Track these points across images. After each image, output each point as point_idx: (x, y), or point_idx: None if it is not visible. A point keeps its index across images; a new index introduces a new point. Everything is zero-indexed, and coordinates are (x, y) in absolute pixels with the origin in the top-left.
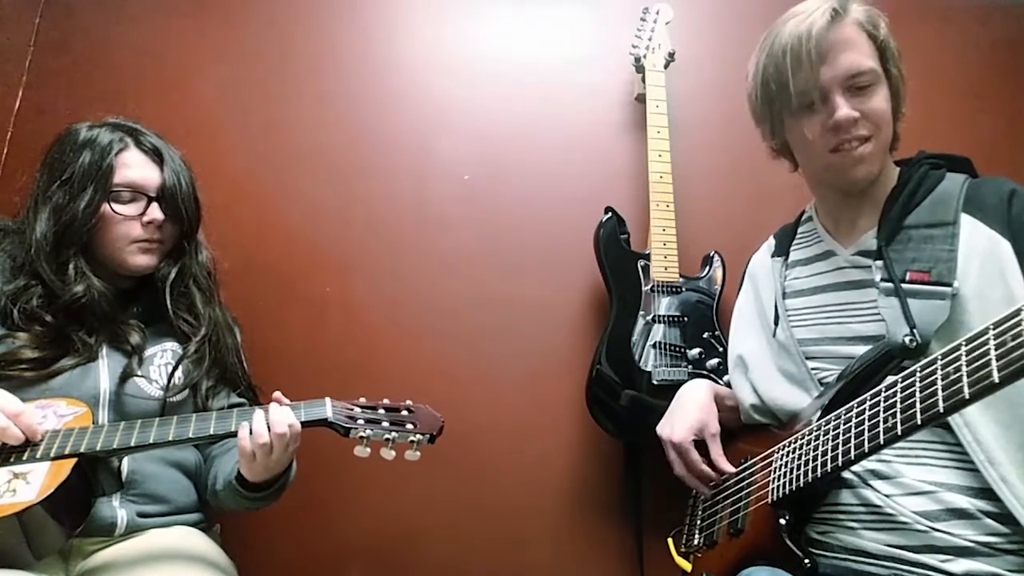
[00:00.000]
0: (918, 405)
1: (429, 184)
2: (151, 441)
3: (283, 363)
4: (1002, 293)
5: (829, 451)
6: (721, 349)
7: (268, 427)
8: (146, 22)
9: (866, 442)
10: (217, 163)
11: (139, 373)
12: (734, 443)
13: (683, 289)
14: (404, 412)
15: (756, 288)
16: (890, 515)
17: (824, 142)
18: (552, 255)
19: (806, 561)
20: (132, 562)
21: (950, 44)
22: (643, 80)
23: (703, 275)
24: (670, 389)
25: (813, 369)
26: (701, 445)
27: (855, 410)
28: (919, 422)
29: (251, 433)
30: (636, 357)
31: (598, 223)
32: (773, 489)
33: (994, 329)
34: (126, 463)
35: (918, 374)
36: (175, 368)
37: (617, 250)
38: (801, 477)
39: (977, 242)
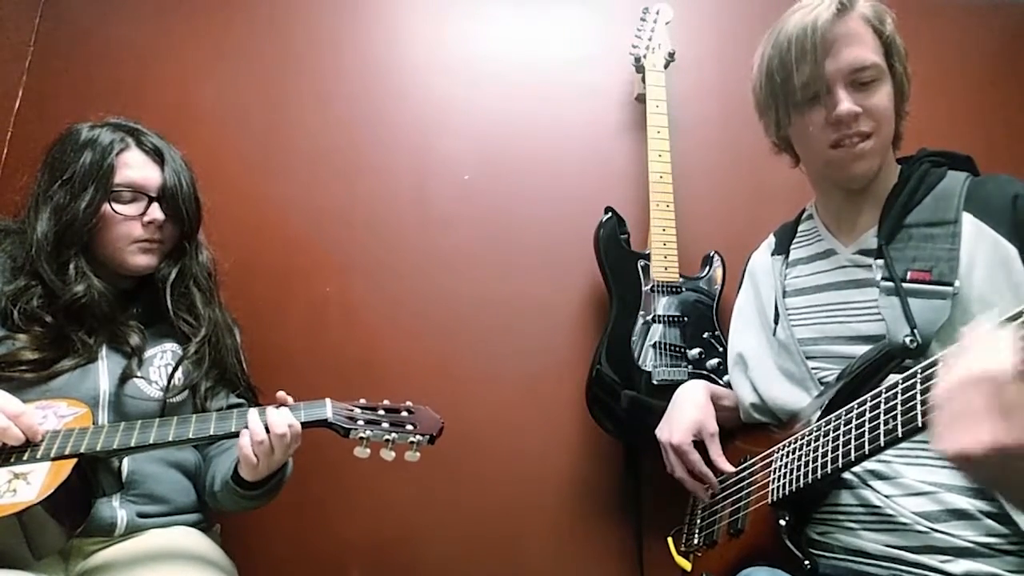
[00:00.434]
0: (919, 408)
1: (429, 184)
2: (151, 442)
3: (283, 363)
4: (1009, 300)
5: (829, 452)
6: (721, 349)
7: (267, 428)
8: (146, 22)
9: (866, 444)
10: (217, 163)
11: (139, 374)
12: (733, 443)
13: (683, 289)
14: (404, 413)
15: (756, 287)
16: (890, 516)
17: (825, 137)
18: (552, 255)
19: (806, 562)
20: (132, 562)
21: (951, 41)
22: (643, 80)
23: (703, 275)
24: (670, 389)
25: (813, 368)
26: (700, 446)
27: (855, 411)
28: (920, 424)
29: (250, 432)
30: (636, 357)
31: (598, 223)
32: (773, 490)
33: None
34: (126, 463)
35: (919, 375)
36: (175, 369)
37: (617, 250)
38: (801, 478)
39: (981, 244)
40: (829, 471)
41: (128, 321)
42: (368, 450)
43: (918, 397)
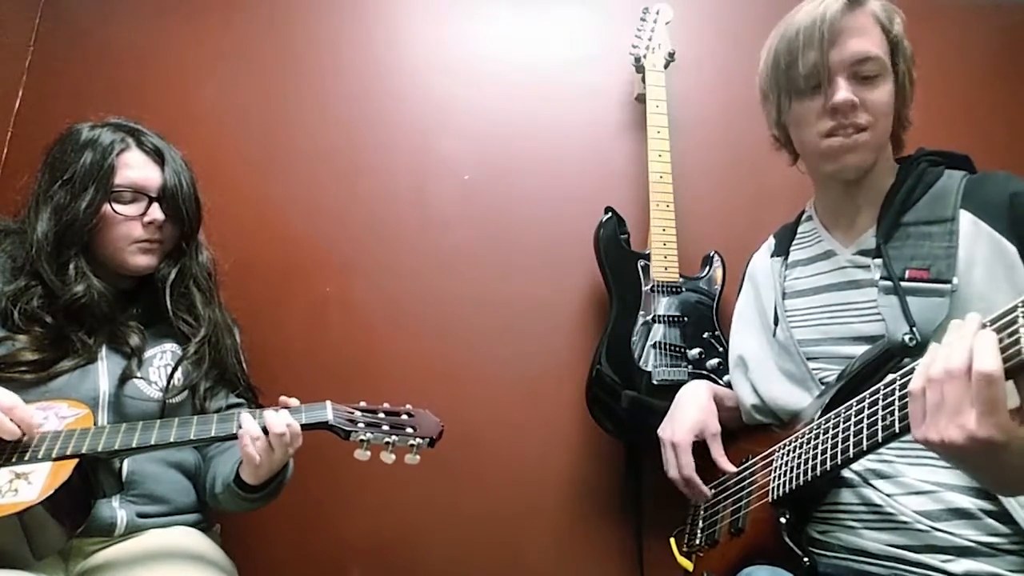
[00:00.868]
0: None
1: (429, 184)
2: (152, 442)
3: (283, 363)
4: (1009, 296)
5: (828, 449)
6: (721, 349)
7: (265, 430)
8: (146, 22)
9: (864, 440)
10: (217, 163)
11: (138, 375)
12: (735, 443)
13: (683, 289)
14: (404, 416)
15: (756, 288)
16: (891, 514)
17: (821, 124)
18: (552, 255)
19: (806, 560)
20: (132, 562)
21: (951, 41)
22: (643, 80)
23: (703, 275)
24: (670, 389)
25: (814, 369)
26: (703, 446)
27: (854, 408)
28: None
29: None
30: (636, 357)
31: (598, 223)
32: (773, 488)
33: (991, 326)
34: (126, 464)
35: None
36: (174, 369)
37: (617, 250)
38: (801, 476)
39: (980, 242)
40: (828, 468)
41: (128, 321)
42: (368, 452)
43: None
